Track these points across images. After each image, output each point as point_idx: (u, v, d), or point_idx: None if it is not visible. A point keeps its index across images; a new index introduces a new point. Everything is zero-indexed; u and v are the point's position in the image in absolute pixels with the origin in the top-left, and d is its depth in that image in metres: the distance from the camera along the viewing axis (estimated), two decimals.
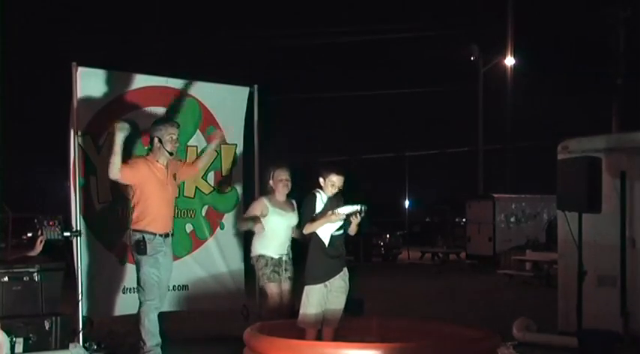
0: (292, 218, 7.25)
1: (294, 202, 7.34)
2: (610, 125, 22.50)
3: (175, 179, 7.05)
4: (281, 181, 7.27)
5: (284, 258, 7.26)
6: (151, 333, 6.75)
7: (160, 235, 6.80)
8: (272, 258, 7.21)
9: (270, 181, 7.34)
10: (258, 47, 33.94)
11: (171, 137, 6.86)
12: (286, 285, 7.30)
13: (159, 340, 6.81)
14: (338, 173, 6.58)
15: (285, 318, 7.02)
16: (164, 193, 6.87)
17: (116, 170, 6.64)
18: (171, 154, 6.89)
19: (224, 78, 8.73)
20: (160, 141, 6.83)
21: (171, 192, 6.99)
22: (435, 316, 9.68)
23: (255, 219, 7.18)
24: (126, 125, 6.76)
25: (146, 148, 7.26)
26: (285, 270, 7.27)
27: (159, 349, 6.81)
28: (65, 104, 7.34)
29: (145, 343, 6.74)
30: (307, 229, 6.49)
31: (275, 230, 7.22)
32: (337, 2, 43.12)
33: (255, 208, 7.31)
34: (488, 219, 23.87)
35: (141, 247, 6.72)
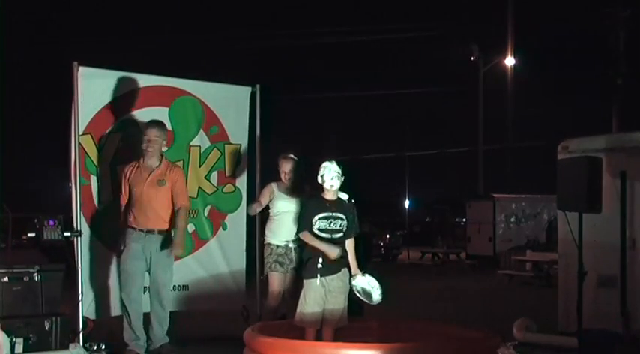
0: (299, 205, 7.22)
1: (305, 188, 7.28)
2: (610, 125, 22.50)
3: (160, 185, 7.18)
4: (283, 173, 7.33)
5: (290, 245, 7.23)
6: (125, 328, 7.15)
7: (141, 230, 7.12)
8: (277, 246, 7.26)
9: (279, 169, 7.42)
10: (259, 47, 33.90)
11: (145, 138, 7.17)
12: (291, 276, 7.28)
13: (137, 335, 7.13)
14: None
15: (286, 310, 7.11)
16: (141, 194, 7.15)
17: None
18: (145, 153, 7.17)
19: (226, 77, 8.72)
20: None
21: (148, 192, 7.14)
22: (435, 316, 9.68)
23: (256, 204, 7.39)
24: None
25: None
26: (291, 260, 7.26)
27: (137, 343, 7.13)
28: (67, 104, 7.33)
29: (126, 342, 7.15)
30: (304, 237, 6.49)
31: (281, 216, 7.25)
32: (337, 2, 43.12)
33: (264, 193, 7.43)
34: (489, 219, 23.88)
35: (119, 243, 7.18)
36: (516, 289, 16.09)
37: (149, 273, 7.21)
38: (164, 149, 7.36)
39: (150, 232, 7.13)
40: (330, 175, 6.39)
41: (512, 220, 24.05)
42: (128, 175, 7.17)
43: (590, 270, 7.78)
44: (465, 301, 13.51)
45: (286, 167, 7.31)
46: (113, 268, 7.49)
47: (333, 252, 6.33)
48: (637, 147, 8.35)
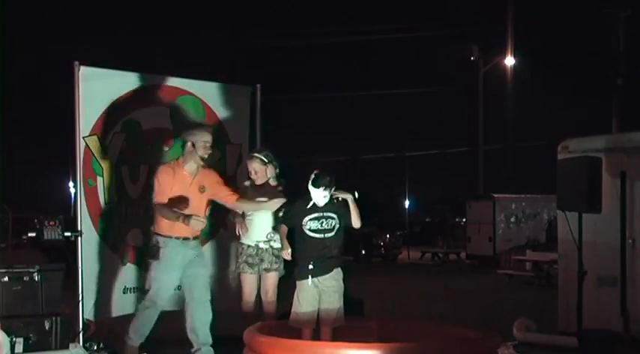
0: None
1: (278, 187, 7.18)
2: (610, 125, 22.51)
3: (202, 191, 6.88)
4: (249, 172, 7.25)
5: (261, 246, 7.10)
6: (135, 328, 6.84)
7: (177, 238, 6.74)
8: (248, 246, 7.13)
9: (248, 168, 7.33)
10: (259, 47, 33.93)
11: (205, 144, 6.79)
12: (267, 278, 7.13)
13: (142, 335, 6.89)
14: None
15: (261, 313, 7.07)
16: (185, 201, 6.75)
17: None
18: (202, 159, 6.81)
19: (226, 77, 8.73)
20: (194, 145, 6.77)
21: (192, 198, 6.80)
22: (435, 316, 9.68)
23: (239, 219, 7.16)
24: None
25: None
26: (262, 260, 7.12)
27: (137, 341, 6.89)
28: (69, 104, 7.32)
29: (129, 334, 6.84)
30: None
31: (252, 216, 7.14)
32: (338, 2, 43.14)
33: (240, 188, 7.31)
34: (489, 219, 23.88)
35: (153, 251, 6.75)
36: (516, 289, 16.08)
37: (190, 277, 6.90)
38: (166, 149, 7.37)
39: (186, 239, 6.80)
40: (316, 199, 6.37)
41: (512, 220, 24.05)
42: (171, 180, 6.74)
43: (590, 270, 7.79)
44: (465, 301, 13.51)
45: (251, 166, 7.21)
46: (115, 268, 7.47)
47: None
48: (637, 147, 8.36)
